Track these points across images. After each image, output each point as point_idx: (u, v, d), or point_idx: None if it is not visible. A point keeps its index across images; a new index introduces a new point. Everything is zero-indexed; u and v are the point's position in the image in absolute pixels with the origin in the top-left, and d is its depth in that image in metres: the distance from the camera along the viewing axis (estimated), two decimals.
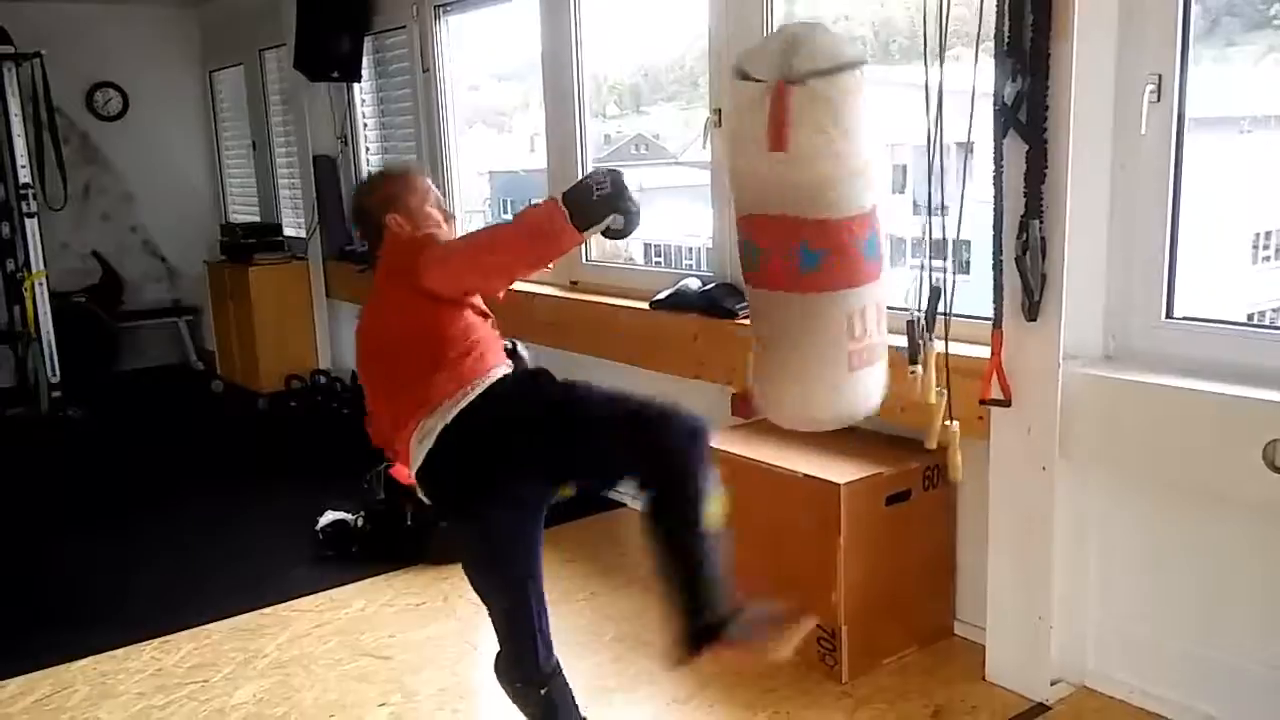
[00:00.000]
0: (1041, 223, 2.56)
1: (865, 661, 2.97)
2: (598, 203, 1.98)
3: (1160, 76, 2.52)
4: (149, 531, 4.45)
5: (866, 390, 2.19)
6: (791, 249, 2.07)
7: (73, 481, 5.18)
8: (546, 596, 2.35)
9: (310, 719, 2.88)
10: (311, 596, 3.65)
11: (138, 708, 2.98)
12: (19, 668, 3.19)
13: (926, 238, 2.57)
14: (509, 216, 6.07)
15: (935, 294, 2.62)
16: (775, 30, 2.25)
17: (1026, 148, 2.55)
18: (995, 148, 2.58)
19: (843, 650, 2.92)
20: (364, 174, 6.05)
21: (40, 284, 6.19)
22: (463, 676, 3.11)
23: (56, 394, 6.25)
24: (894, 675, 2.97)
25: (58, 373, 6.27)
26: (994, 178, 2.60)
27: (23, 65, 6.14)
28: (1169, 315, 2.63)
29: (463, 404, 2.14)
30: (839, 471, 2.93)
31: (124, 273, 7.56)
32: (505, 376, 2.26)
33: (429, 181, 2.46)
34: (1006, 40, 2.52)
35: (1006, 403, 2.68)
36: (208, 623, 3.47)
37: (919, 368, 2.66)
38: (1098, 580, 2.78)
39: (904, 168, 2.54)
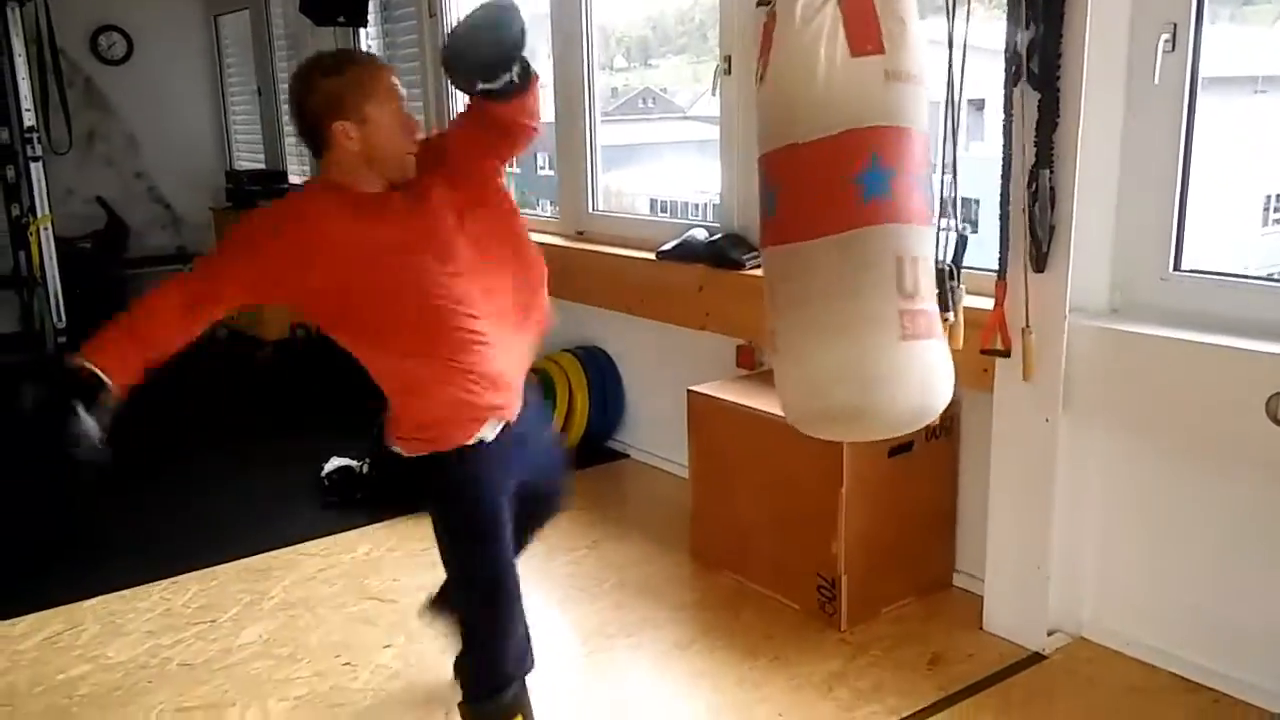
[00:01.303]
0: (1052, 173, 2.54)
1: (864, 610, 3.00)
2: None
3: (1175, 26, 2.49)
4: (156, 477, 4.47)
5: (922, 373, 1.87)
6: (855, 173, 1.80)
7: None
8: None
9: (316, 659, 2.91)
10: (317, 541, 3.68)
11: (146, 646, 3.02)
12: (30, 606, 3.23)
13: (953, 188, 2.53)
14: (514, 170, 5.97)
15: (962, 243, 2.60)
16: None
17: (1038, 96, 2.52)
18: (1005, 96, 2.56)
19: (842, 599, 2.95)
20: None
21: (45, 229, 6.15)
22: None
23: (62, 339, 6.25)
24: (892, 624, 3.00)
25: (64, 318, 6.26)
26: (1004, 127, 2.58)
27: (26, 6, 6.07)
28: (1176, 268, 2.62)
29: None
30: None
31: (129, 219, 7.51)
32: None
33: (393, 80, 2.01)
34: None
35: (1005, 353, 2.67)
36: (215, 565, 3.50)
37: (951, 315, 2.62)
38: (1098, 533, 2.79)
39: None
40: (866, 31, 1.79)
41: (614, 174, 4.85)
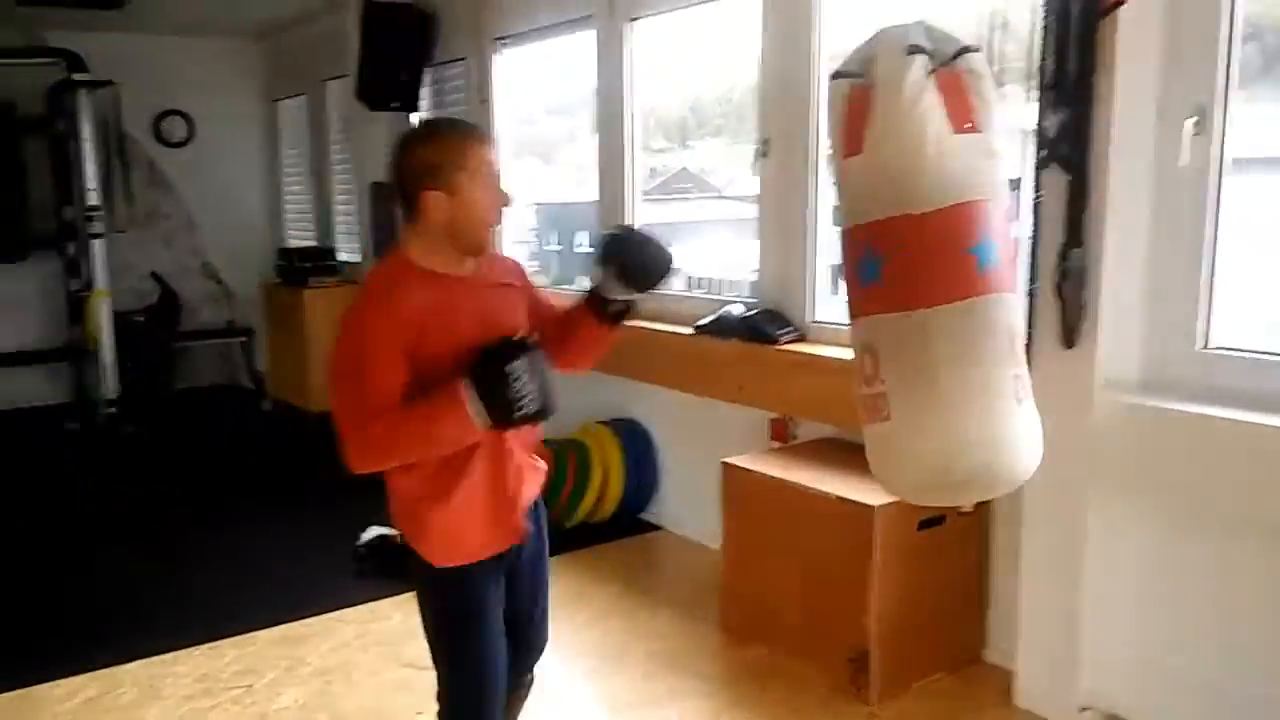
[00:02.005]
0: (1082, 251, 2.59)
1: (894, 685, 2.98)
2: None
3: (1202, 108, 2.55)
4: (199, 542, 4.56)
5: (1031, 433, 1.91)
6: (970, 244, 1.85)
7: (126, 493, 5.31)
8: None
9: None
10: (353, 608, 3.72)
11: (183, 710, 3.06)
12: (70, 669, 3.28)
13: None
14: (551, 247, 6.06)
15: None
16: (890, 29, 1.94)
17: (1068, 178, 2.59)
18: (1035, 177, 2.63)
19: (872, 673, 2.93)
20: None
21: (104, 303, 6.38)
22: None
23: (112, 410, 6.43)
24: (922, 699, 2.98)
25: (115, 389, 6.45)
26: (1033, 206, 2.64)
27: (95, 92, 6.39)
28: (1207, 345, 2.64)
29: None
30: (873, 494, 2.95)
31: (182, 294, 7.74)
32: None
33: (489, 154, 1.99)
34: (1051, 73, 2.57)
35: None
36: (253, 630, 3.55)
37: None
38: (1131, 610, 2.77)
39: None
40: (964, 111, 1.87)
41: None
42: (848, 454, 3.36)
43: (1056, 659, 2.82)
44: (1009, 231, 1.94)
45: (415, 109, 5.79)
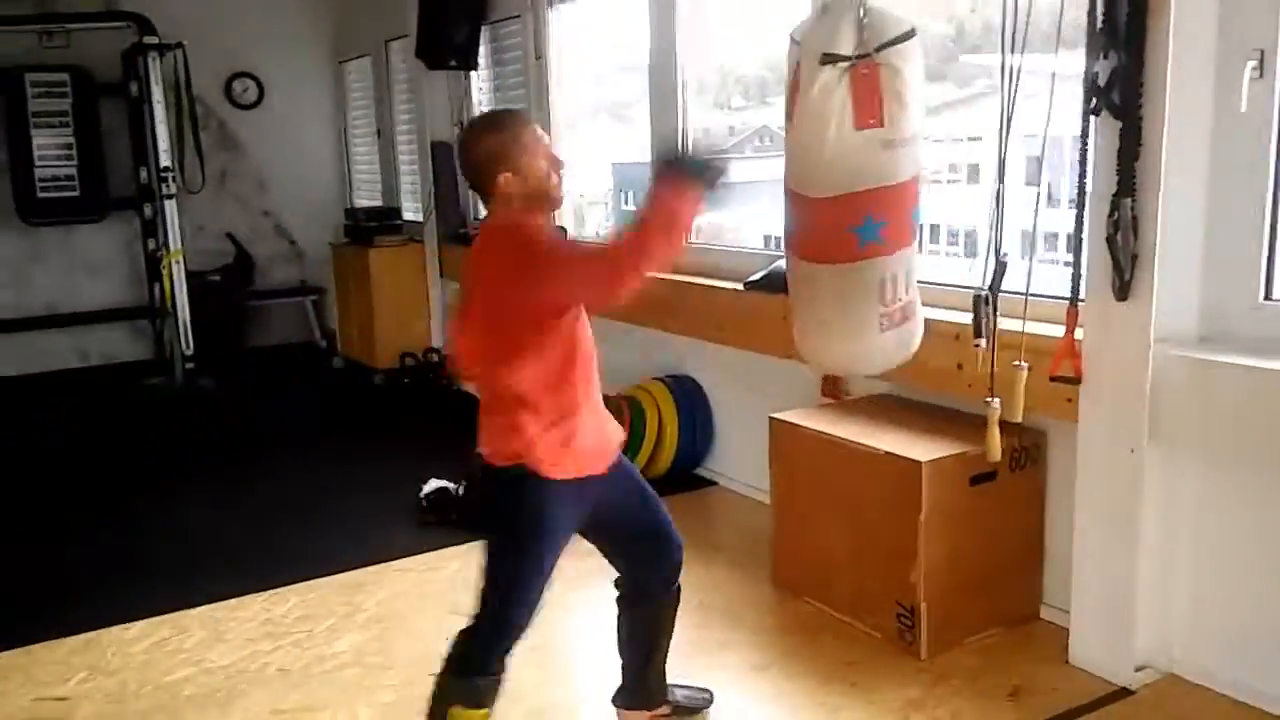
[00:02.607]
0: (1134, 201, 2.52)
1: (945, 640, 2.97)
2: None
3: (1262, 52, 2.46)
4: (267, 492, 4.71)
5: (888, 352, 2.49)
6: (852, 225, 2.29)
7: (201, 446, 5.49)
8: None
9: (405, 669, 3.02)
10: (412, 558, 3.82)
11: (246, 652, 3.18)
12: (142, 612, 3.43)
13: (996, 215, 2.56)
14: (629, 207, 6.08)
15: (1001, 269, 2.61)
16: (828, 4, 2.32)
17: (1119, 125, 2.51)
18: (1083, 125, 2.56)
19: (921, 628, 2.93)
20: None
21: (177, 263, 6.56)
22: (547, 636, 3.21)
23: (190, 366, 6.62)
24: (974, 654, 2.97)
25: (191, 346, 6.64)
26: (1079, 155, 2.57)
27: (165, 55, 6.52)
28: (1268, 297, 2.56)
29: None
30: (922, 450, 2.94)
31: (255, 254, 7.93)
32: None
33: (538, 130, 2.31)
34: (1100, 16, 2.49)
35: (1076, 380, 2.65)
36: (314, 578, 3.66)
37: (983, 341, 2.65)
38: (1188, 565, 2.72)
39: (1039, 159, 2.56)
40: (869, 107, 2.24)
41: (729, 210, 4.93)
42: (900, 410, 3.35)
43: (1112, 616, 2.78)
44: (911, 200, 2.35)
45: (473, 67, 5.83)
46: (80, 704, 2.92)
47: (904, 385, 3.44)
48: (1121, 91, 2.50)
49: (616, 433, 2.46)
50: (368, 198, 7.94)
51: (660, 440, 4.38)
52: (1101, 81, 2.52)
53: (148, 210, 6.81)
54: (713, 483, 4.49)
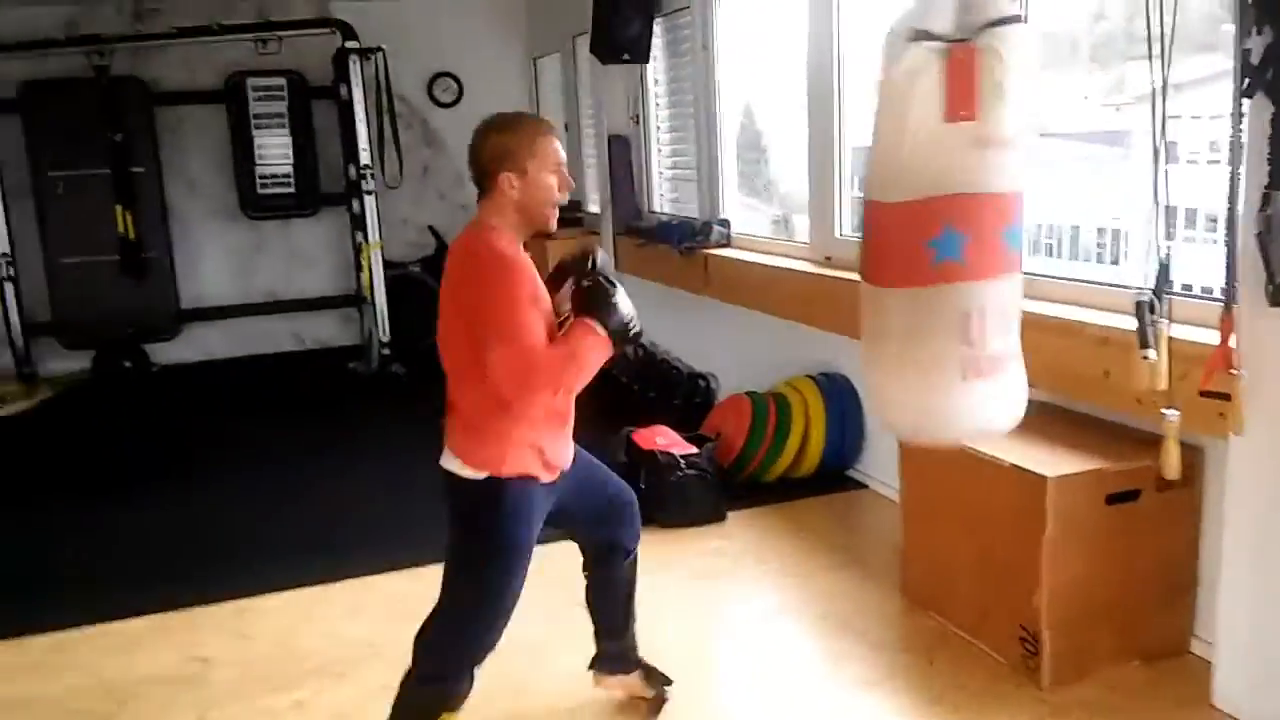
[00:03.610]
0: None
1: (1072, 670, 2.74)
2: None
3: None
4: (427, 473, 4.87)
5: (974, 408, 2.12)
6: (929, 238, 2.03)
7: (381, 427, 5.80)
8: None
9: (515, 654, 3.04)
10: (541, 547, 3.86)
11: (378, 627, 3.31)
12: (296, 581, 3.65)
13: (1158, 209, 2.32)
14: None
15: (1164, 271, 2.37)
16: None
17: (1273, 109, 2.23)
18: (1234, 108, 2.28)
19: (1044, 655, 2.72)
20: (642, 150, 6.29)
21: (375, 254, 6.94)
22: (649, 635, 3.19)
23: (385, 352, 7.01)
24: (1103, 688, 2.73)
25: (387, 333, 7.02)
26: (1231, 142, 2.30)
27: (368, 59, 6.91)
28: None
29: None
30: (1052, 464, 2.72)
31: None
32: None
33: (558, 143, 2.26)
34: None
35: (1227, 396, 2.37)
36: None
37: (1151, 352, 2.41)
38: None
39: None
40: (964, 96, 1.98)
41: None
42: (1052, 420, 3.08)
43: (1260, 655, 2.49)
44: (1000, 217, 2.04)
45: (645, 60, 5.84)
46: (218, 665, 3.14)
47: (1050, 391, 3.19)
48: (1276, 70, 2.21)
49: (571, 452, 2.43)
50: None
51: (807, 440, 4.27)
52: (1256, 59, 2.24)
53: (355, 205, 7.25)
54: (863, 485, 4.33)
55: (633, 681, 2.75)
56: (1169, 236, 2.38)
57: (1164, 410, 2.41)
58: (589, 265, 2.31)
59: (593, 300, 2.22)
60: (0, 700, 2.98)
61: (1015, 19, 2.00)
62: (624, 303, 2.24)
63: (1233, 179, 2.32)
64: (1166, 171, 2.28)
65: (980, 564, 2.95)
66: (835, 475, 4.37)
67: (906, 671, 2.91)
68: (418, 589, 3.52)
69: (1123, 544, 2.74)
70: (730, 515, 4.04)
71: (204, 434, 5.91)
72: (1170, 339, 2.41)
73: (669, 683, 2.76)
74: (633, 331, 2.25)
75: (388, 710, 2.39)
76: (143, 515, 4.52)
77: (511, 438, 2.25)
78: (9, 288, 7.00)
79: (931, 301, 2.05)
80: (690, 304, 5.55)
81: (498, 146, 2.20)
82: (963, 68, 2.00)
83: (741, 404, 4.42)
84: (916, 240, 2.04)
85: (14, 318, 7.04)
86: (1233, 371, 2.32)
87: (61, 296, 7.26)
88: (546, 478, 2.32)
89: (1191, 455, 2.78)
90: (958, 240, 2.00)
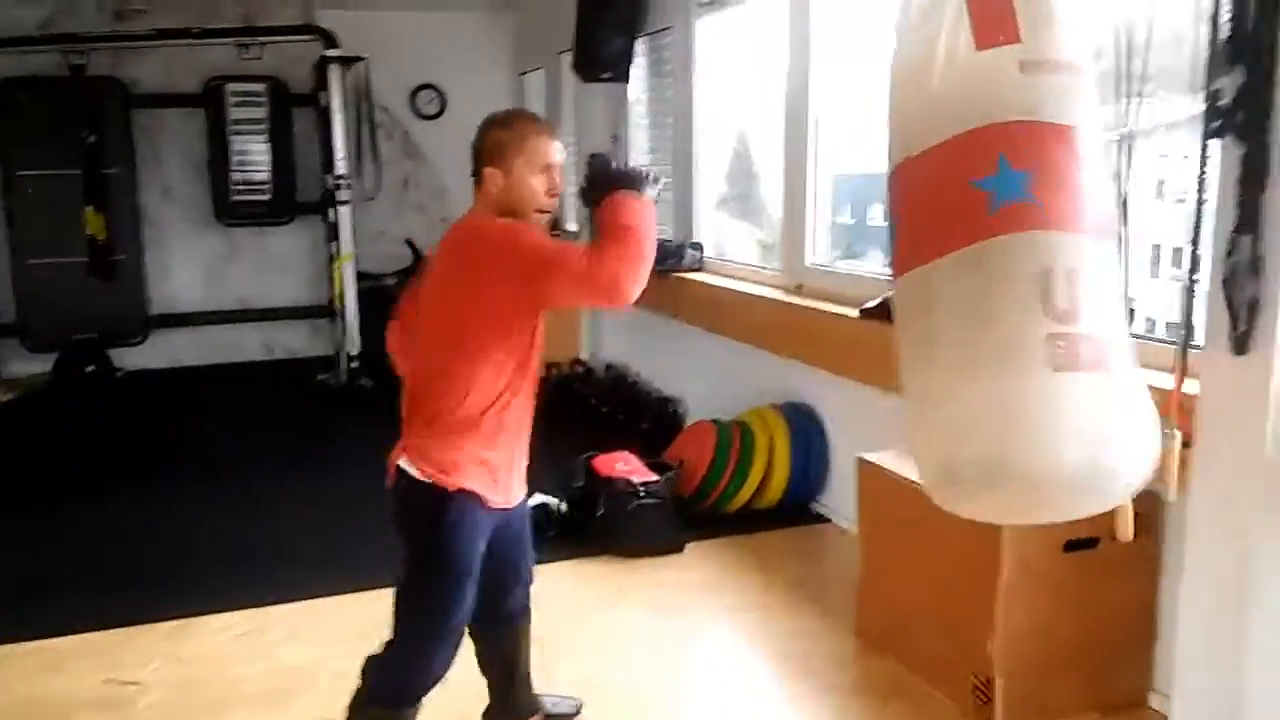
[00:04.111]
0: (1256, 239, 2.16)
1: (1025, 719, 2.66)
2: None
3: None
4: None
5: (1081, 414, 1.49)
6: (977, 178, 1.59)
7: (345, 440, 5.68)
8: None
9: (464, 686, 2.93)
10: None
11: (319, 653, 3.21)
12: (236, 603, 3.54)
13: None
14: (848, 220, 5.80)
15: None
16: None
17: (1242, 151, 2.16)
18: (1201, 148, 2.22)
19: (997, 704, 2.63)
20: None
21: (348, 265, 6.85)
22: (599, 669, 3.10)
23: (355, 365, 6.91)
24: None
25: (358, 346, 6.92)
26: (1198, 184, 2.23)
27: (351, 68, 6.84)
28: None
29: None
30: None
31: None
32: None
33: (551, 145, 2.22)
34: (1226, 23, 2.15)
35: (1187, 444, 2.29)
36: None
37: None
38: None
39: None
40: (997, 19, 1.61)
41: None
42: None
43: (1215, 714, 2.40)
44: (1073, 156, 1.59)
45: (626, 79, 5.79)
46: (149, 690, 3.03)
47: None
48: (1248, 111, 2.14)
49: (522, 488, 2.40)
50: None
51: (770, 470, 4.18)
52: (1225, 99, 2.18)
53: (330, 215, 7.16)
54: (825, 519, 4.25)
55: None
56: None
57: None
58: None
59: (596, 177, 2.18)
60: None
61: None
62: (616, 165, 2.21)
63: (1196, 221, 2.25)
64: (1126, 211, 2.19)
65: (936, 607, 2.86)
66: (798, 508, 4.28)
67: (860, 716, 2.82)
68: (363, 614, 3.45)
69: (1081, 592, 2.67)
70: (689, 546, 3.94)
71: (165, 442, 5.80)
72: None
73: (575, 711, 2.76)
74: (647, 174, 2.16)
75: None
76: (91, 525, 4.42)
77: (464, 450, 2.20)
78: None
79: (995, 260, 1.55)
80: (662, 327, 5.47)
81: (490, 140, 2.21)
82: None
83: (705, 432, 4.34)
84: (962, 182, 1.60)
85: None
86: (1165, 431, 1.96)
87: (27, 298, 7.15)
88: (493, 501, 2.25)
89: (1152, 503, 2.71)
90: (1018, 179, 1.56)
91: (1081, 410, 1.50)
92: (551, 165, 2.22)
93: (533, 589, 2.58)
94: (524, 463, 2.37)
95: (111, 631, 3.38)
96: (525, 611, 2.57)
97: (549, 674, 3.01)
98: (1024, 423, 1.50)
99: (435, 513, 2.21)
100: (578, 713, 2.76)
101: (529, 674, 2.66)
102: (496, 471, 2.25)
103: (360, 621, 3.38)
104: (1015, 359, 1.51)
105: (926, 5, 1.73)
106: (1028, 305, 1.52)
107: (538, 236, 2.16)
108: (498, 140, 2.21)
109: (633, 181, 2.13)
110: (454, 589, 2.22)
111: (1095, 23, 1.76)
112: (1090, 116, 1.68)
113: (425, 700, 2.34)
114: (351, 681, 2.97)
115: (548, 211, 2.26)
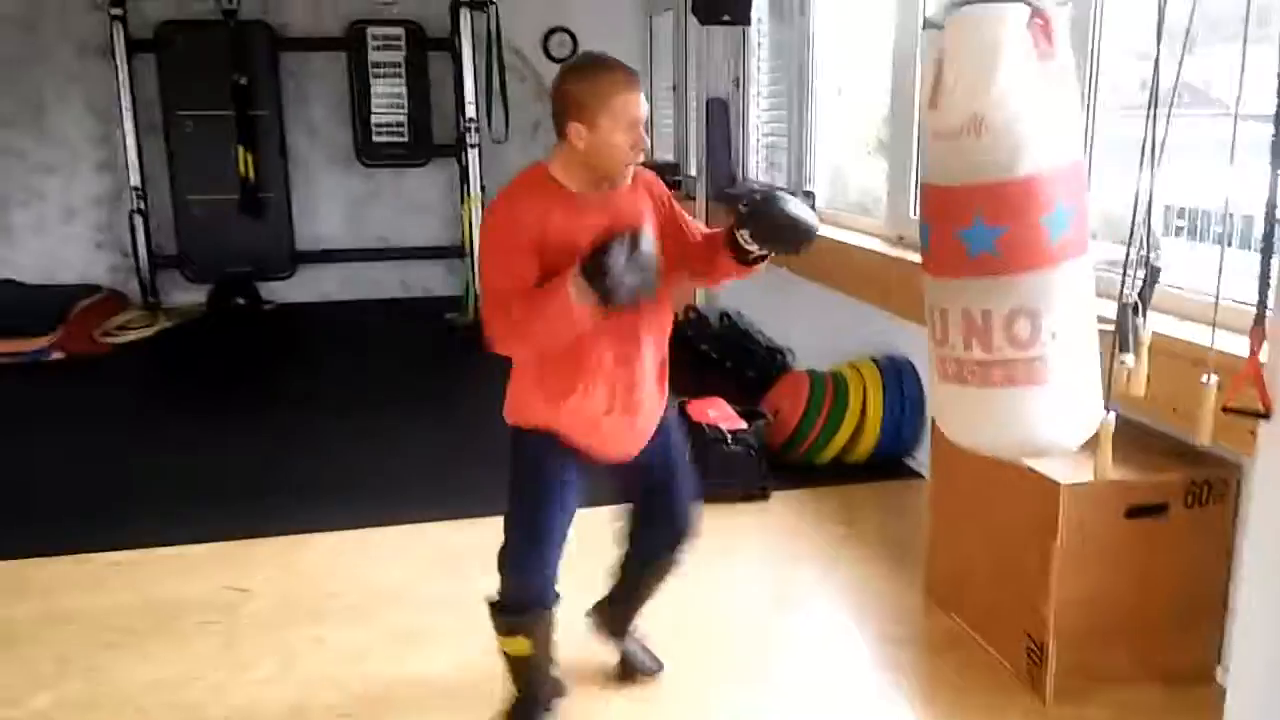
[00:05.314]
0: None
1: (1078, 686, 2.64)
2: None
3: None
4: (496, 427, 4.95)
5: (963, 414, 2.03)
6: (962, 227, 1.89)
7: (464, 381, 5.93)
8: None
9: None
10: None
11: (409, 574, 3.45)
12: (350, 523, 3.80)
13: (1146, 218, 2.18)
14: None
15: (1154, 274, 2.22)
16: None
17: None
18: (1277, 113, 2.11)
19: (1048, 668, 2.63)
20: (740, 115, 6.19)
21: (476, 207, 7.06)
22: (662, 605, 3.20)
23: (478, 304, 7.14)
24: (1110, 709, 2.62)
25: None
26: (1274, 128, 2.12)
27: (483, 11, 6.99)
28: None
29: None
30: (1069, 470, 2.60)
31: None
32: None
33: (638, 100, 2.18)
34: None
35: (1261, 414, 2.21)
36: (499, 514, 3.81)
37: (1129, 358, 2.27)
38: None
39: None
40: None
41: None
42: None
43: (1271, 699, 2.34)
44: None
45: (746, 22, 5.73)
46: (256, 597, 3.31)
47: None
48: None
49: (631, 434, 2.41)
50: (664, 151, 8.09)
51: (862, 424, 4.18)
52: None
53: (463, 157, 7.38)
54: (918, 475, 4.22)
55: (615, 650, 2.81)
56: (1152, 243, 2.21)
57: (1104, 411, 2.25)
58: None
59: (590, 251, 2.11)
60: (48, 611, 3.22)
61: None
62: (619, 261, 2.07)
63: (1274, 183, 2.15)
64: (1154, 172, 2.10)
65: (996, 567, 2.86)
66: (891, 462, 4.28)
67: (907, 669, 2.85)
68: (457, 539, 3.67)
69: (1143, 560, 2.62)
70: (776, 495, 4.00)
71: (302, 372, 6.20)
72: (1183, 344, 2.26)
73: (650, 672, 2.81)
74: (615, 291, 2.07)
75: (406, 654, 2.76)
76: (228, 446, 4.78)
77: (524, 389, 2.36)
78: (139, 220, 7.42)
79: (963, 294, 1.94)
80: (774, 276, 5.44)
81: (574, 94, 2.17)
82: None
83: (800, 382, 4.36)
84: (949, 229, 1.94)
85: (142, 250, 7.46)
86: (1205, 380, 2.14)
87: (186, 231, 7.67)
88: (563, 432, 2.34)
89: (1227, 471, 2.63)
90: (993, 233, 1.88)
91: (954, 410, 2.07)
92: (636, 121, 2.18)
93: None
94: (634, 409, 2.36)
95: (236, 543, 3.69)
96: (662, 555, 2.63)
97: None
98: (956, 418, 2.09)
99: (514, 449, 2.42)
100: (652, 674, 2.80)
101: (635, 611, 2.76)
102: (561, 418, 2.33)
103: (455, 548, 3.62)
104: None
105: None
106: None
107: (490, 248, 2.25)
108: (581, 95, 2.16)
109: (605, 296, 2.08)
110: (533, 502, 2.39)
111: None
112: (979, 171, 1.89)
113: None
114: (435, 604, 3.22)
115: (633, 164, 2.26)
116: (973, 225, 1.87)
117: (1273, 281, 2.21)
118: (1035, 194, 1.88)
